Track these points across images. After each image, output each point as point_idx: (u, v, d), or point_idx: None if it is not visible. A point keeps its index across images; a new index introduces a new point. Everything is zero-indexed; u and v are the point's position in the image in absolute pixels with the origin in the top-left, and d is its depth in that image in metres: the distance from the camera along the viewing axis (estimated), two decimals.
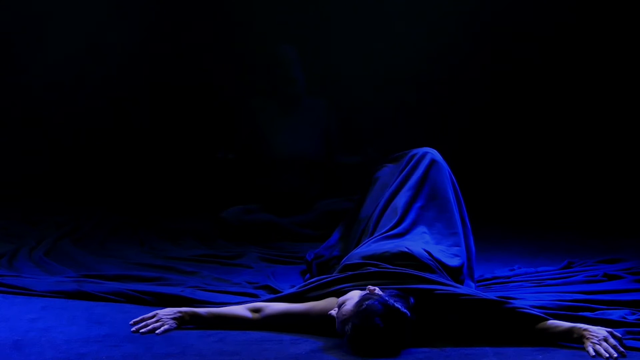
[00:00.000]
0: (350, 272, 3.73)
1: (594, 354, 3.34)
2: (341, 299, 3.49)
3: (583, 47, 6.83)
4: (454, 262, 3.96)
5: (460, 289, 3.63)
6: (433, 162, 4.32)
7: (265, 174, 5.99)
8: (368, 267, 3.75)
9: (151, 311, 3.76)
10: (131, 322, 3.63)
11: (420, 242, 3.99)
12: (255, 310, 3.69)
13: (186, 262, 4.95)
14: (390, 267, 3.73)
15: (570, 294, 4.13)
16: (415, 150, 4.42)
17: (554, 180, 6.85)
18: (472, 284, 4.12)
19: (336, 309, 3.47)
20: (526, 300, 3.95)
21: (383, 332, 3.31)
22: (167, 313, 3.66)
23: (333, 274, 3.83)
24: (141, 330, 3.57)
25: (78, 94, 7.14)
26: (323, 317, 3.57)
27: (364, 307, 3.34)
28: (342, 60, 6.99)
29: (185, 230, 5.91)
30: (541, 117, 6.93)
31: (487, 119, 6.94)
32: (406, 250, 3.83)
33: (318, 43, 6.90)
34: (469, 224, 4.27)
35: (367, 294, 3.43)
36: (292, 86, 5.95)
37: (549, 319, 3.53)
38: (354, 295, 3.45)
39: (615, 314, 3.76)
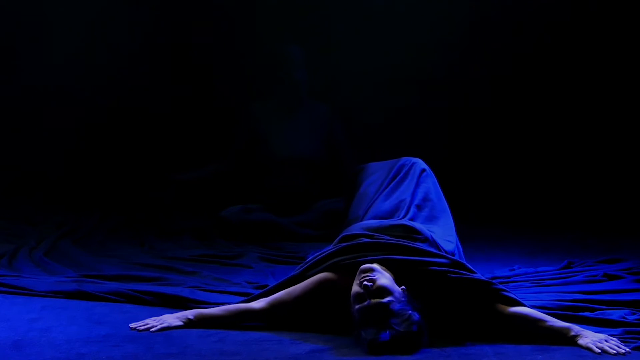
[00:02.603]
0: (344, 244, 3.73)
1: (599, 351, 3.34)
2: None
3: (583, 46, 6.83)
4: (448, 246, 3.99)
5: (453, 263, 3.63)
6: (423, 170, 4.41)
7: (266, 175, 5.99)
8: (361, 238, 3.75)
9: (151, 311, 3.76)
10: (131, 324, 3.63)
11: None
12: (258, 301, 3.69)
13: (186, 262, 4.95)
14: (385, 237, 3.73)
15: (570, 294, 4.14)
16: (403, 160, 4.48)
17: (553, 180, 6.85)
18: None
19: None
20: (526, 300, 3.95)
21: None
22: (171, 315, 3.66)
23: (328, 247, 3.82)
24: (138, 328, 3.57)
25: (78, 94, 7.14)
26: (325, 292, 3.59)
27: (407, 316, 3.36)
28: (342, 63, 6.99)
29: (185, 229, 5.91)
30: (541, 117, 6.93)
31: (488, 119, 6.94)
32: (406, 222, 3.85)
33: (319, 45, 6.90)
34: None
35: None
36: (295, 88, 5.93)
37: (527, 306, 3.56)
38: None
39: (615, 314, 3.76)
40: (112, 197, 6.83)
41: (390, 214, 4.22)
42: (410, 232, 3.81)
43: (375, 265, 3.49)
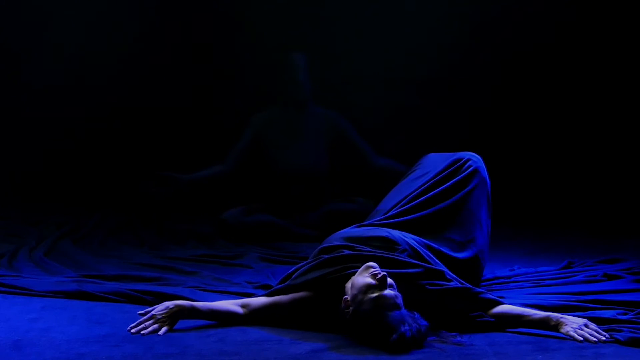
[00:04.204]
0: (326, 256, 3.72)
1: (581, 339, 3.40)
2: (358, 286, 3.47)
3: (583, 46, 6.83)
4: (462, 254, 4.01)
5: (427, 272, 3.65)
6: (475, 171, 4.27)
7: (269, 183, 5.98)
8: (342, 250, 3.74)
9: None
10: (129, 328, 3.61)
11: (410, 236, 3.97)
12: (244, 306, 3.69)
13: (186, 262, 4.95)
14: (366, 248, 3.72)
15: (569, 295, 4.13)
16: (459, 155, 4.33)
17: (554, 180, 6.85)
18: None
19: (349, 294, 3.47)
20: (525, 300, 3.95)
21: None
22: (162, 310, 3.62)
23: (308, 260, 3.81)
24: (142, 332, 3.56)
25: (78, 94, 7.14)
26: (305, 309, 3.61)
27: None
28: (343, 64, 7.00)
29: (185, 230, 5.91)
30: (541, 117, 6.93)
31: (487, 120, 6.94)
32: (384, 234, 3.83)
33: (319, 47, 6.90)
34: (488, 240, 4.27)
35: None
36: (298, 89, 5.93)
37: (505, 303, 3.63)
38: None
39: (607, 313, 3.76)
40: (112, 197, 6.84)
41: (410, 205, 4.17)
42: (390, 244, 3.80)
43: None
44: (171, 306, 3.62)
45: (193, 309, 3.64)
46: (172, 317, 3.60)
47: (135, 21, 7.05)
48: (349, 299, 3.47)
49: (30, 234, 5.57)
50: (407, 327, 3.33)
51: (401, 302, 3.40)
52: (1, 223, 5.95)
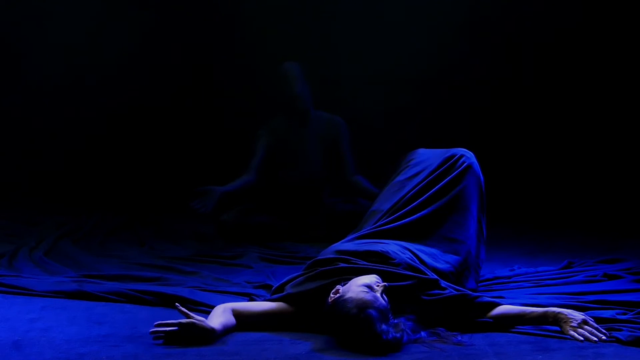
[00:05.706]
0: (322, 269, 3.72)
1: (582, 338, 3.41)
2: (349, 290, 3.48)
3: (583, 47, 6.84)
4: (443, 266, 3.96)
5: (421, 283, 3.65)
6: (469, 168, 4.24)
7: (274, 191, 5.97)
8: (338, 263, 3.73)
9: (151, 311, 3.74)
10: (155, 326, 3.45)
11: (403, 244, 3.96)
12: (236, 316, 3.62)
13: (186, 262, 4.95)
14: (362, 262, 3.72)
15: (569, 295, 4.14)
16: (452, 152, 4.32)
17: (554, 180, 6.85)
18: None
19: (336, 292, 3.48)
20: (525, 300, 3.96)
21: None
22: (189, 332, 3.41)
23: (302, 272, 3.80)
24: (153, 336, 3.47)
25: (78, 95, 7.15)
26: (300, 318, 3.62)
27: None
28: (342, 66, 7.01)
29: (185, 230, 5.91)
30: (541, 117, 6.93)
31: (487, 120, 6.94)
32: (379, 249, 3.82)
33: (319, 48, 6.91)
34: (484, 235, 4.27)
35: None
36: (298, 101, 5.90)
37: (502, 304, 3.64)
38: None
39: (608, 313, 3.77)
40: (112, 197, 6.84)
41: (405, 208, 4.16)
42: (385, 259, 3.79)
43: None
44: (201, 329, 3.41)
45: (216, 333, 3.48)
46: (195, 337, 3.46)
47: (135, 24, 7.06)
48: (340, 288, 3.48)
49: (30, 234, 5.57)
50: (383, 327, 3.32)
51: (386, 307, 3.39)
52: (1, 223, 5.95)
